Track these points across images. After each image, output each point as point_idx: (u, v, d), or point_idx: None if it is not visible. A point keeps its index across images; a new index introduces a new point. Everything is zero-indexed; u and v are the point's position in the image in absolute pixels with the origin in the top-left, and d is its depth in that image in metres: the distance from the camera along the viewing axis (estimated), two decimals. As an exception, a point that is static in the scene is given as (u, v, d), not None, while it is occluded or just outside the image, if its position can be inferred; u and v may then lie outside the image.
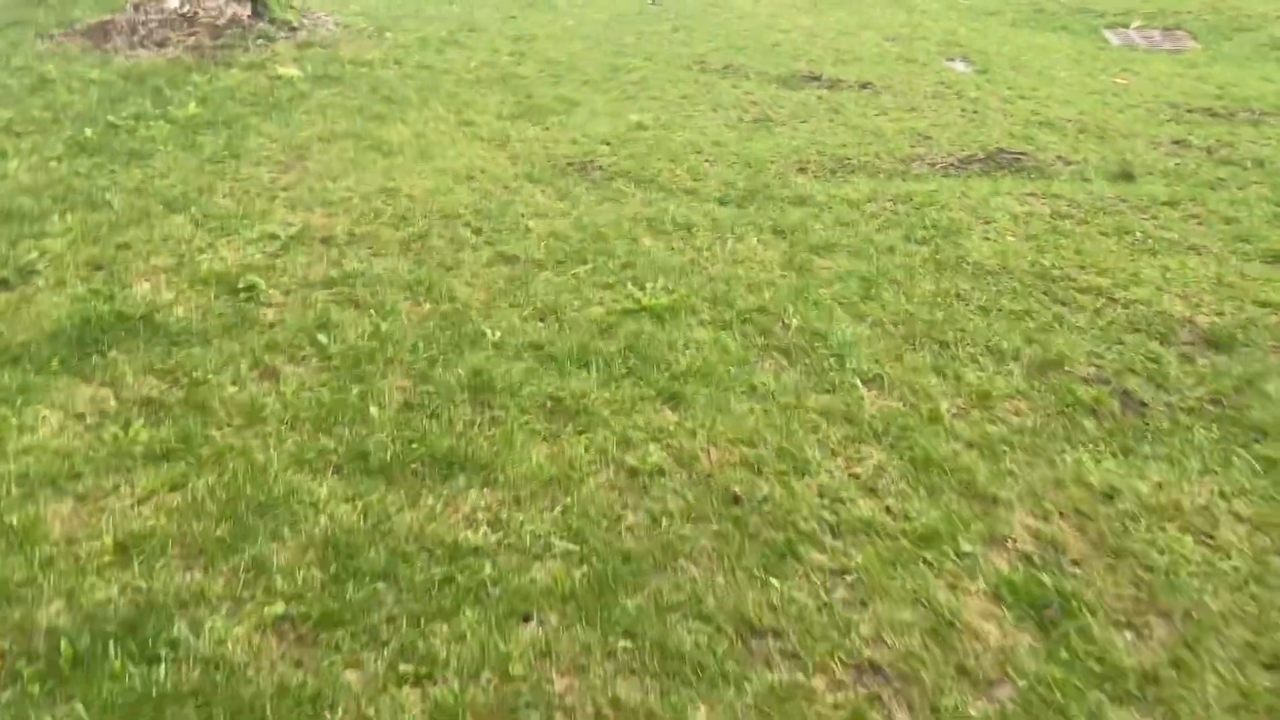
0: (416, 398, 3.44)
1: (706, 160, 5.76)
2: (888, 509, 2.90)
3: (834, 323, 3.93)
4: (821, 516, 2.85)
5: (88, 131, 5.65)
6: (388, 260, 4.41)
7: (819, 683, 2.36)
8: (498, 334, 3.82)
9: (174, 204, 4.84)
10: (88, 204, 4.80)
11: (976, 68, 8.13)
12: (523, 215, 4.93)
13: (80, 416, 3.30)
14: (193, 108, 6.10)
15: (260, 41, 7.45)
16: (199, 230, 4.60)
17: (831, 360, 3.66)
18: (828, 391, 3.49)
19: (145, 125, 5.83)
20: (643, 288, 4.19)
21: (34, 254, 4.25)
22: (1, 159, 5.27)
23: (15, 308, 3.89)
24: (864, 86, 7.37)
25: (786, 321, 3.95)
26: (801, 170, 5.66)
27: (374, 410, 3.34)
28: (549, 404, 3.40)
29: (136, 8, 7.92)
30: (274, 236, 4.55)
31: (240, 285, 4.07)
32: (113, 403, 3.38)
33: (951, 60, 8.34)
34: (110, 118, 5.87)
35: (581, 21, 8.99)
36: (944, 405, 3.39)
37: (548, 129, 6.26)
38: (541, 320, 3.96)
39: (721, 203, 5.18)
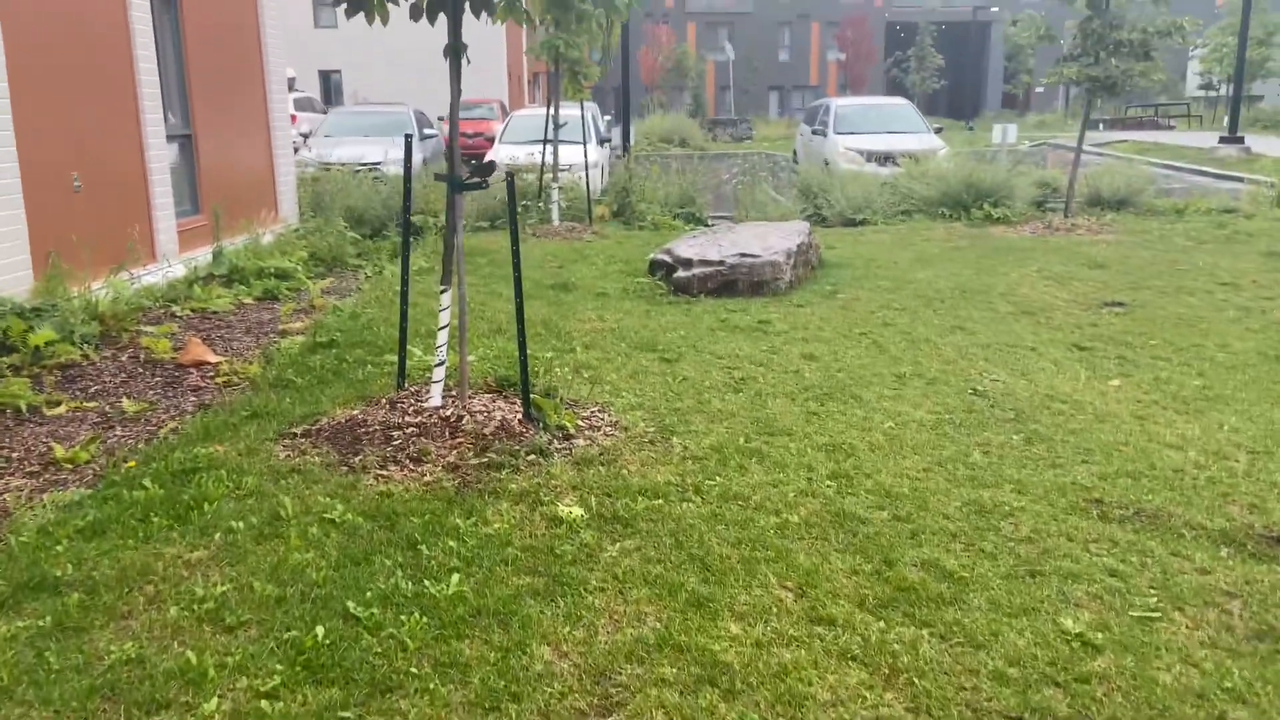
0: None
1: (1249, 746, 3.53)
2: None
3: None
4: None
5: (324, 634, 4.08)
6: None
7: None
8: None
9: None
10: (303, 817, 3.05)
11: None
12: None
13: None
14: (455, 583, 4.51)
15: (532, 458, 6.03)
16: None
17: None
18: None
19: (394, 616, 4.23)
20: None
21: None
22: (198, 688, 3.70)
23: None
24: (1374, 564, 5.05)
25: None
26: None
27: None
28: None
29: (393, 405, 6.81)
30: None
31: None
32: None
33: None
34: (350, 603, 4.32)
35: (900, 422, 7.22)
36: None
37: (944, 639, 4.25)
38: None
39: None
